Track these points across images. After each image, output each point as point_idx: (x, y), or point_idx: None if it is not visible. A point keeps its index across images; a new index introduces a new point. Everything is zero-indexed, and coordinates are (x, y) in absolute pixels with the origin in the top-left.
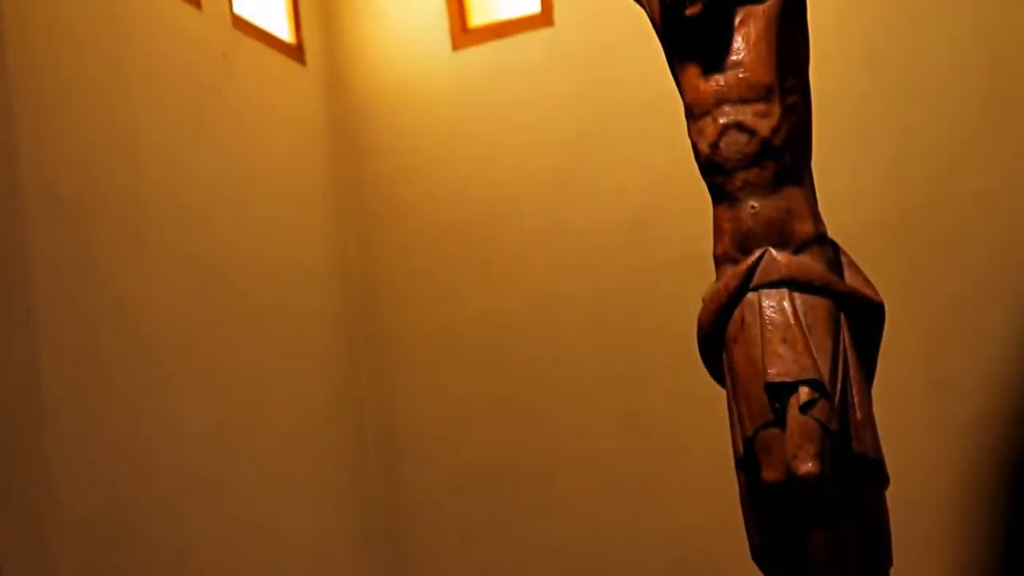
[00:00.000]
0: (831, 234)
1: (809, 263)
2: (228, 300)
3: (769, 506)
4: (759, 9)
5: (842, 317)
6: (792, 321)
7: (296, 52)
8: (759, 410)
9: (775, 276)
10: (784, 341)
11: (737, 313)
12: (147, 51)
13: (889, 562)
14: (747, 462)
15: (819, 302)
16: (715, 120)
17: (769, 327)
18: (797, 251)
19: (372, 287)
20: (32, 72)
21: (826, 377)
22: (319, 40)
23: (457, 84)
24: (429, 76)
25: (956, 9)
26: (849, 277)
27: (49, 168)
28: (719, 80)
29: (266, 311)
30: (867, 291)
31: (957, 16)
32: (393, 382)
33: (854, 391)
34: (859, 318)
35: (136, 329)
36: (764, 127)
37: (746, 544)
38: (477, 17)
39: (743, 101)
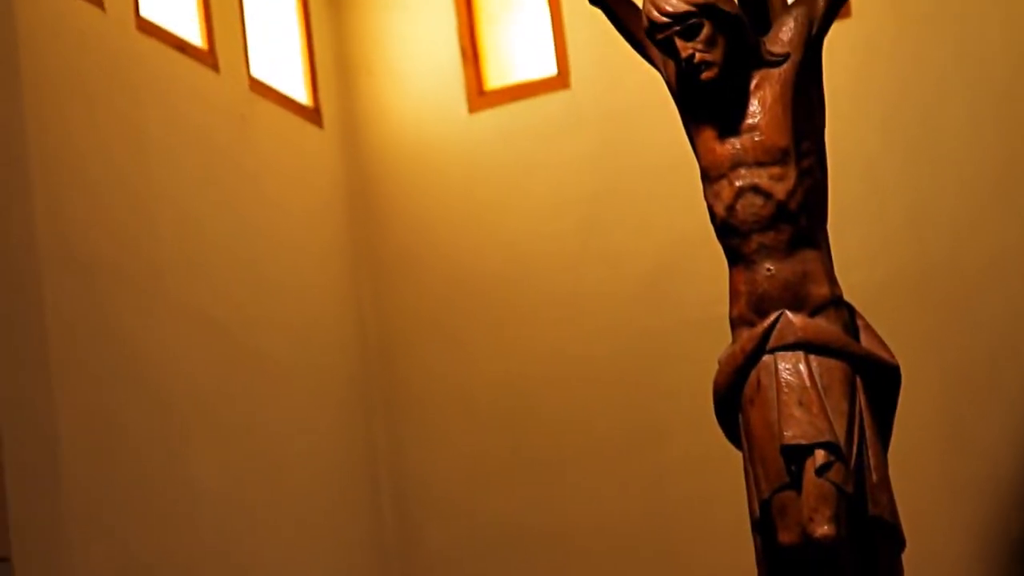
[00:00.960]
0: (847, 293)
1: (825, 326)
2: (244, 360)
3: (785, 569)
4: (775, 72)
5: (858, 380)
6: (808, 384)
7: (313, 115)
8: (775, 472)
9: (791, 339)
10: (800, 404)
11: (753, 375)
12: (164, 113)
13: None
14: (763, 524)
15: (835, 365)
16: (731, 183)
17: (785, 389)
18: (813, 314)
19: (387, 347)
20: (49, 134)
21: (842, 440)
22: (336, 103)
23: (473, 147)
24: (445, 139)
25: (970, 70)
26: (865, 340)
27: (66, 229)
28: (735, 143)
29: (282, 371)
30: (883, 354)
31: (971, 78)
32: (408, 441)
33: (870, 453)
34: (875, 381)
35: (152, 389)
36: (780, 190)
37: None
38: (493, 80)
39: (759, 164)
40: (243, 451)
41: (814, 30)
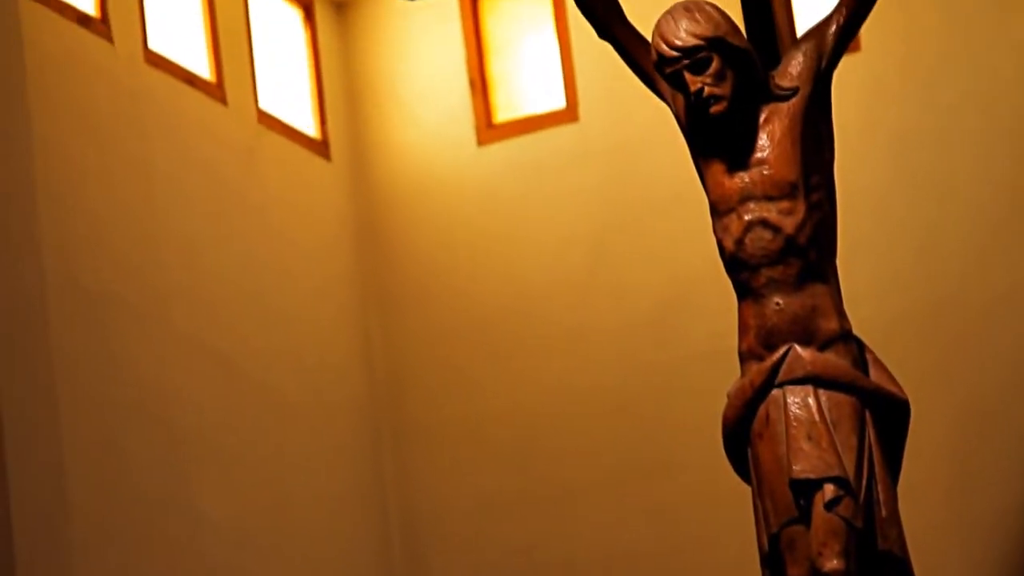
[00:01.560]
0: (856, 328)
1: (834, 360)
2: (251, 392)
3: None
4: (784, 107)
5: (867, 414)
6: (817, 418)
7: (321, 147)
8: (784, 507)
9: (800, 373)
10: (809, 438)
11: (762, 410)
12: (172, 146)
13: None
14: (772, 559)
15: (844, 399)
16: (740, 217)
17: (794, 424)
18: (822, 348)
19: (396, 380)
20: (56, 166)
21: (851, 474)
22: (344, 135)
23: (482, 179)
24: (454, 171)
25: (980, 104)
26: (874, 374)
27: (73, 260)
28: (744, 177)
29: (290, 404)
30: (892, 388)
31: (981, 111)
32: (417, 474)
33: (879, 488)
34: (885, 415)
35: (159, 421)
36: (789, 224)
37: None
38: (502, 113)
39: (768, 198)
40: (250, 483)
41: (823, 64)
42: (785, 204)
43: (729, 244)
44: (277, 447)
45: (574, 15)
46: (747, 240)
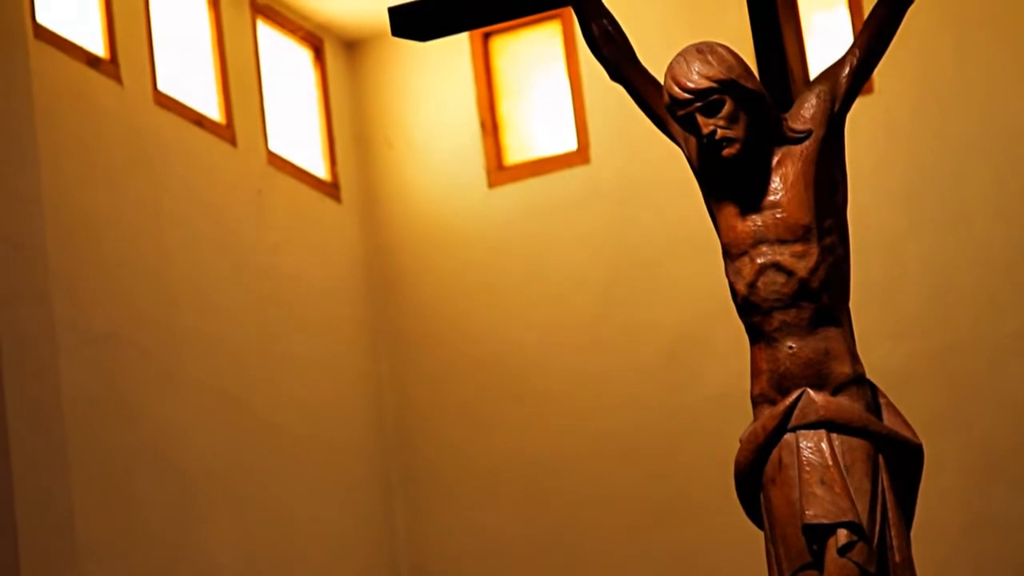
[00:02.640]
0: (869, 371)
1: (847, 404)
2: (262, 435)
3: None
4: (797, 149)
5: (880, 459)
6: (830, 462)
7: (331, 189)
8: (796, 552)
9: (813, 417)
10: (822, 483)
11: (775, 454)
12: (181, 187)
13: None
14: None
15: (857, 443)
16: (752, 260)
17: (807, 468)
18: (835, 392)
19: (406, 423)
20: (66, 207)
21: (864, 519)
22: (354, 177)
23: (493, 221)
24: (465, 213)
25: (993, 147)
26: (887, 418)
27: (82, 303)
28: (756, 220)
29: (300, 446)
30: (906, 433)
31: (994, 154)
32: (427, 517)
33: (893, 533)
34: (898, 459)
35: (169, 465)
36: (802, 268)
37: None
38: (513, 155)
39: (781, 242)
40: (260, 527)
41: (836, 106)
42: (798, 247)
43: (741, 287)
44: (287, 490)
45: (586, 57)
46: (760, 283)
